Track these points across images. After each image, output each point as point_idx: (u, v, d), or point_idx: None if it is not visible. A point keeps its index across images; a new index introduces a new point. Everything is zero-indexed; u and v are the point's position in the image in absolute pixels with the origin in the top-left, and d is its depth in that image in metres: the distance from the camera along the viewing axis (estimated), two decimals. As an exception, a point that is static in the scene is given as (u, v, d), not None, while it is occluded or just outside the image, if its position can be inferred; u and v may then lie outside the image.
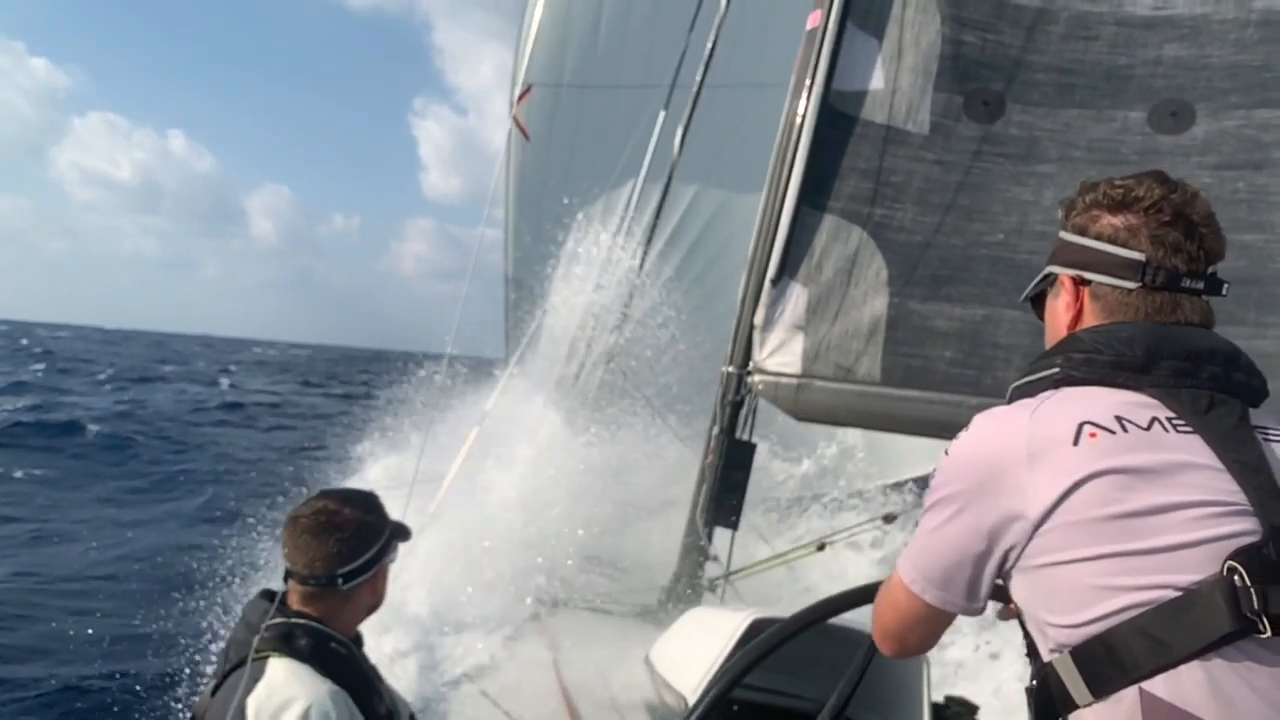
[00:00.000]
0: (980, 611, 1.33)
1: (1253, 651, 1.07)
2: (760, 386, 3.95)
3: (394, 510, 2.29)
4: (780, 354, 3.90)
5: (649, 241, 6.40)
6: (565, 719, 3.59)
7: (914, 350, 3.65)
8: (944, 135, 3.70)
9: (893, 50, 3.80)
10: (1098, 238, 1.39)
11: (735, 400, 4.09)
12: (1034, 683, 1.25)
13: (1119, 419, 1.20)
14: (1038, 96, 3.58)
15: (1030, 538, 1.19)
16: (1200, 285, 1.34)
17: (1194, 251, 1.34)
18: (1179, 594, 1.09)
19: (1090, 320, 1.40)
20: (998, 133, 3.63)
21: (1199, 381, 1.25)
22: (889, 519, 5.07)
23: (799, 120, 3.89)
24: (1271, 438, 1.23)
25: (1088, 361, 1.30)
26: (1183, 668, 1.07)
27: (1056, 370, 1.33)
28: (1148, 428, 1.19)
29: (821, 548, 4.56)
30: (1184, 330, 1.31)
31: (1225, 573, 1.08)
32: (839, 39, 3.84)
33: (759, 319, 3.94)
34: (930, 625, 1.40)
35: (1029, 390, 1.34)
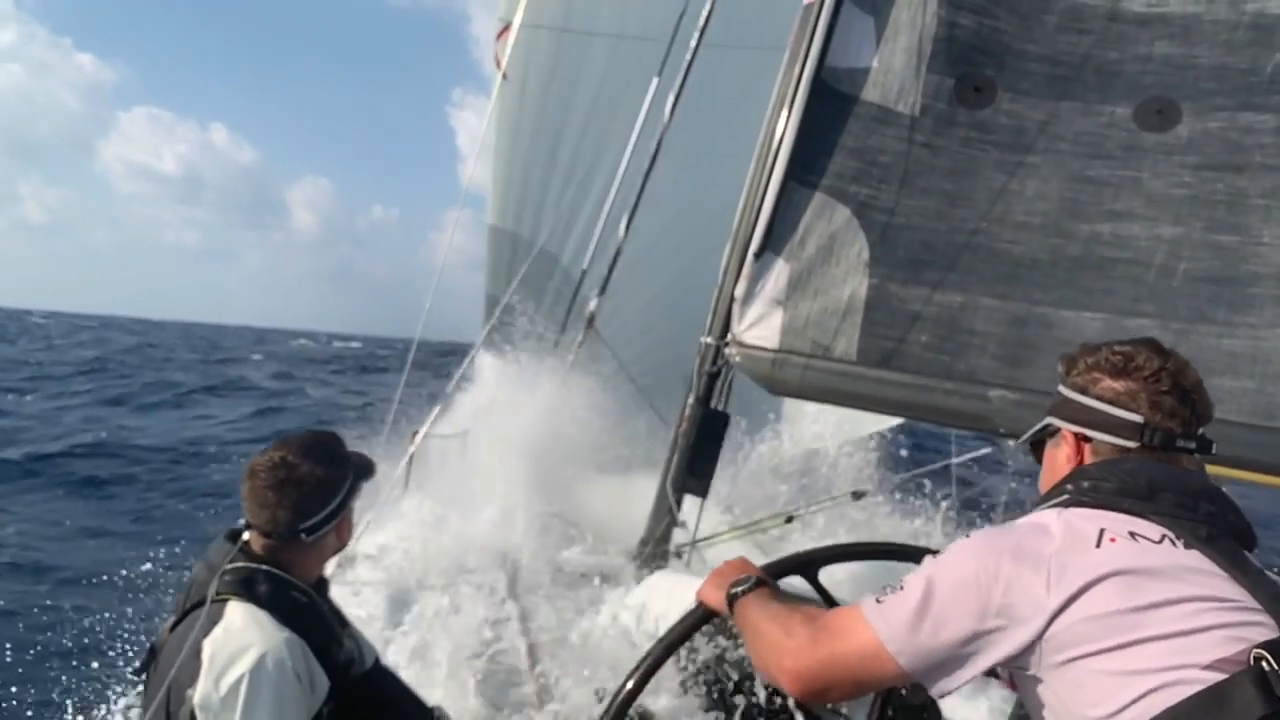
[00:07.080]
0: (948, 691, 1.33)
1: None
2: (737, 359, 3.97)
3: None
4: (759, 328, 3.92)
5: (635, 208, 6.36)
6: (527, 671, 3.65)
7: (890, 332, 3.69)
8: (934, 118, 3.71)
9: (889, 29, 3.79)
10: (1099, 399, 1.52)
11: (712, 371, 4.11)
12: None
13: (1132, 533, 1.31)
14: (1028, 86, 3.59)
15: (1045, 630, 1.25)
16: (1193, 445, 1.47)
17: (1187, 416, 1.48)
18: (1205, 674, 1.14)
19: None
20: (987, 119, 3.64)
21: (1196, 516, 1.35)
22: (857, 495, 5.16)
23: (790, 94, 3.89)
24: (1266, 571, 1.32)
25: (1094, 488, 1.41)
26: None
27: (1067, 496, 1.43)
28: (1159, 541, 1.30)
29: (790, 519, 4.63)
30: (1181, 470, 1.43)
31: (1253, 661, 1.14)
32: (835, 15, 3.82)
33: (739, 292, 3.96)
34: (878, 684, 1.39)
35: None
